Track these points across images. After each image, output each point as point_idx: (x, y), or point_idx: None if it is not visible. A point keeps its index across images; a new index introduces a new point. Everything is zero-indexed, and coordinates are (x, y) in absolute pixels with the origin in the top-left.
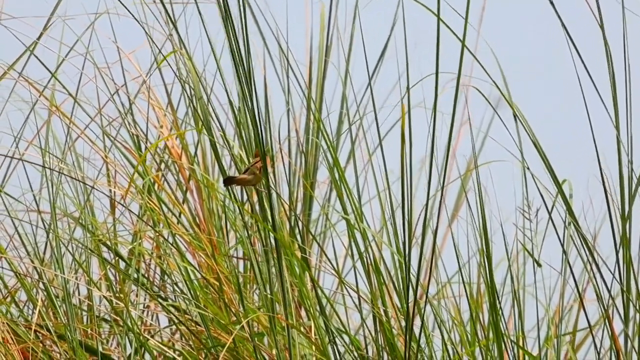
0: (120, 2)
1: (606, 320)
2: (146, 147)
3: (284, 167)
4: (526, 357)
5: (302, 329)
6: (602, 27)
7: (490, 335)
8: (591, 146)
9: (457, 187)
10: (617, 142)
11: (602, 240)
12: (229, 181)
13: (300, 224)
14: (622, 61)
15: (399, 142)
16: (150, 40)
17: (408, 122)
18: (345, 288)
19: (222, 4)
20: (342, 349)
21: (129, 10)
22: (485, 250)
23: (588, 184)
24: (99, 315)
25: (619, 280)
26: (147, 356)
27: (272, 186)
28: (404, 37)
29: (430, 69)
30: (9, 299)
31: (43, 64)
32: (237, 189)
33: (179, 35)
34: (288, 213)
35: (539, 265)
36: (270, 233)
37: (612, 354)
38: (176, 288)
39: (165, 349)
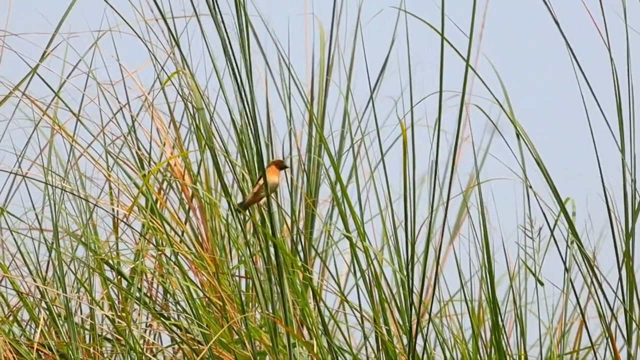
0: (124, 20)
1: (608, 338)
2: (149, 166)
3: (287, 185)
4: None
5: (303, 347)
6: (608, 47)
7: (492, 353)
8: (594, 163)
9: (458, 205)
10: (621, 160)
11: (603, 257)
12: (242, 205)
13: (302, 238)
14: (626, 78)
15: (400, 160)
16: (154, 58)
17: (411, 138)
18: (349, 306)
19: (222, 26)
20: None
21: (132, 28)
22: (487, 268)
23: (587, 200)
24: (101, 335)
25: (621, 298)
26: None
27: (274, 199)
28: (407, 54)
29: (431, 85)
30: (11, 318)
31: (47, 84)
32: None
33: (181, 53)
34: (290, 228)
35: (541, 284)
36: (272, 251)
37: None
38: (178, 307)
39: None
